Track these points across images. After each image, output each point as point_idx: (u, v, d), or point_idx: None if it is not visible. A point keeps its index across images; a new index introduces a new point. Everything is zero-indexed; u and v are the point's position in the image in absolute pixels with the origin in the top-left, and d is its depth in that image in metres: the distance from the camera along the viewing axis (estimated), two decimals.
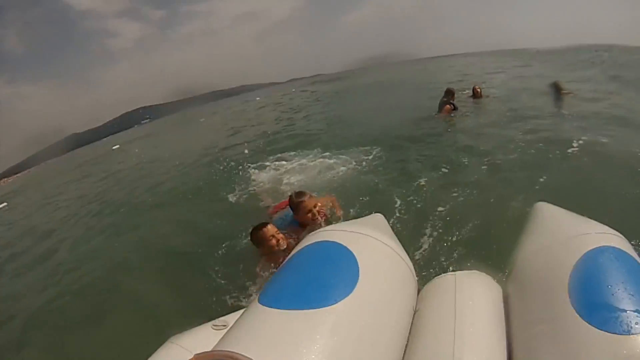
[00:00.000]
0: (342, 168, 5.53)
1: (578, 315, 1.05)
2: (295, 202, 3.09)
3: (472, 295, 1.36)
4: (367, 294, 1.17)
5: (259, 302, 1.16)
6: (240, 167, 6.77)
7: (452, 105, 7.28)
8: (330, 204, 3.54)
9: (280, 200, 4.12)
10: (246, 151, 8.78)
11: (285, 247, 2.95)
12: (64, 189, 13.89)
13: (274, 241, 2.93)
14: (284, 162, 6.63)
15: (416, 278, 1.54)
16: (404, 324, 1.31)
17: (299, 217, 3.12)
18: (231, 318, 1.58)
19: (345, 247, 1.32)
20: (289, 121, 13.39)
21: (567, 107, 7.54)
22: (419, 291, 1.54)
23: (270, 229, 2.97)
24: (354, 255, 1.28)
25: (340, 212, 3.52)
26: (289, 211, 3.28)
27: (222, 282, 3.17)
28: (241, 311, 1.27)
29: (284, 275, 1.30)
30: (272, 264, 2.94)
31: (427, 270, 2.61)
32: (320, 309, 1.06)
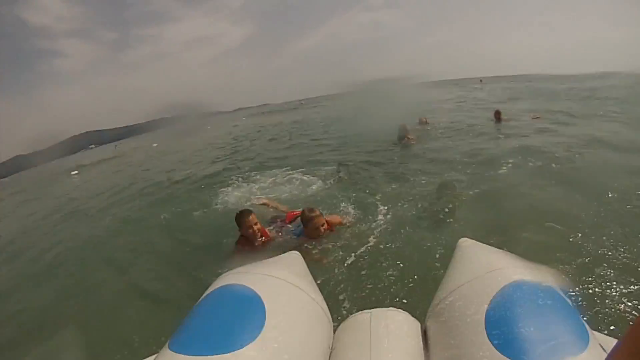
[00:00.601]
0: (312, 187, 5.86)
1: (496, 350, 1.07)
2: (307, 217, 3.45)
3: (388, 332, 1.36)
4: (274, 336, 1.19)
5: (169, 348, 1.17)
6: (209, 189, 6.91)
7: (407, 139, 8.39)
8: (338, 222, 3.87)
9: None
10: (210, 174, 8.80)
11: (261, 237, 3.54)
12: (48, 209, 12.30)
13: (251, 229, 3.47)
14: (255, 179, 7.00)
15: (330, 318, 1.55)
16: None
17: (307, 230, 3.49)
18: None
19: (252, 290, 1.35)
20: (248, 146, 13.43)
21: (505, 133, 8.29)
22: (336, 330, 1.54)
23: (253, 218, 3.50)
24: (260, 299, 1.31)
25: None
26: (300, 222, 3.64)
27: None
28: (153, 357, 1.28)
29: (192, 320, 1.30)
30: (247, 248, 3.52)
31: (348, 307, 2.64)
32: (226, 354, 1.08)
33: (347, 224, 3.89)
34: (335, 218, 3.88)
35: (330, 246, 3.45)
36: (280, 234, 3.78)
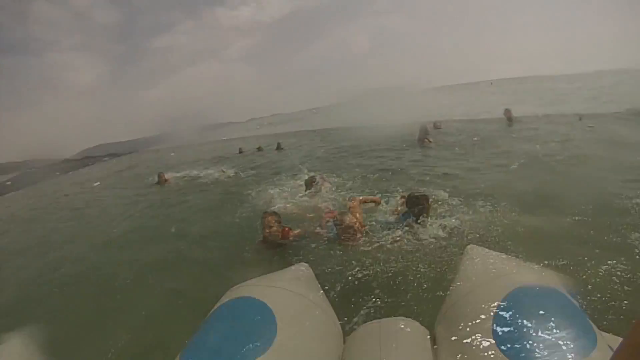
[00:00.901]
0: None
1: (504, 355, 1.10)
2: (340, 221, 3.62)
3: (397, 341, 1.38)
4: (285, 348, 1.22)
5: None
6: (237, 195, 6.96)
7: (427, 139, 8.82)
8: (361, 201, 4.25)
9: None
10: (236, 182, 8.89)
11: (279, 238, 3.59)
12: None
13: (267, 230, 3.51)
14: (280, 184, 7.05)
15: (340, 328, 1.59)
16: None
17: (340, 233, 3.65)
18: None
19: (263, 303, 1.38)
20: (267, 154, 13.58)
21: (516, 133, 8.59)
22: (346, 340, 1.57)
23: (269, 220, 3.55)
24: (271, 311, 1.34)
25: (373, 201, 4.50)
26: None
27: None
28: None
29: (204, 333, 1.33)
30: (266, 245, 3.65)
31: (359, 315, 2.52)
32: None
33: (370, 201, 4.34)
34: (355, 203, 4.06)
35: (363, 243, 3.55)
36: (318, 234, 3.87)
